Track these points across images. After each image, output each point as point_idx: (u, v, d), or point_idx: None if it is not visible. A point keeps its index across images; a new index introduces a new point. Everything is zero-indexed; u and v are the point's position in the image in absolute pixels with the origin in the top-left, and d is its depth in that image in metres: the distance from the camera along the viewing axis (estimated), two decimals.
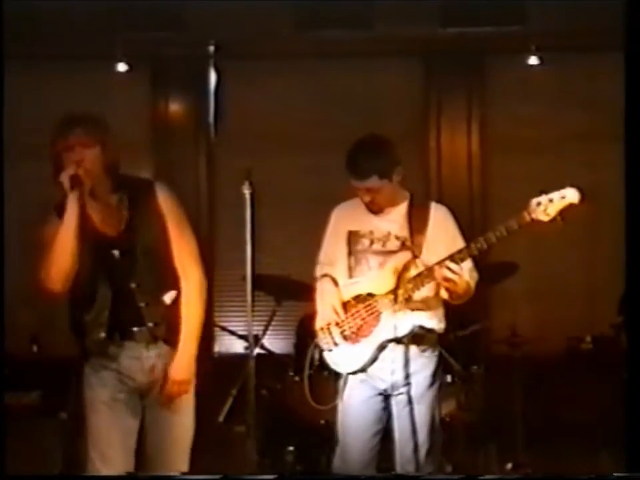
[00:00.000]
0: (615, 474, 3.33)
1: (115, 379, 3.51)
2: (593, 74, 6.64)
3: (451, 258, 3.73)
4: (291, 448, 4.93)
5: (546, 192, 3.65)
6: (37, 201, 6.93)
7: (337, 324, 3.91)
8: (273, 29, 6.44)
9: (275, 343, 5.63)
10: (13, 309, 5.87)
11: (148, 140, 6.93)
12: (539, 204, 3.64)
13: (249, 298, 3.45)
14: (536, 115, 6.77)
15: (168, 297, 3.52)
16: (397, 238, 3.93)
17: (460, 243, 3.89)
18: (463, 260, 3.72)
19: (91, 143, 3.44)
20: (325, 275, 4.01)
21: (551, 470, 5.11)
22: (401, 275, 3.86)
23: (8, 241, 6.39)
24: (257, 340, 3.66)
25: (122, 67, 6.70)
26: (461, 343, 5.05)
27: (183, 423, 3.56)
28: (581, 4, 5.95)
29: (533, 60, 6.62)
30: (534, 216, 3.64)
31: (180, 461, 3.55)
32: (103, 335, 3.48)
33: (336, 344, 3.91)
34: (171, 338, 3.52)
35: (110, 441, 3.48)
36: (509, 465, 5.11)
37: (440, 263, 3.73)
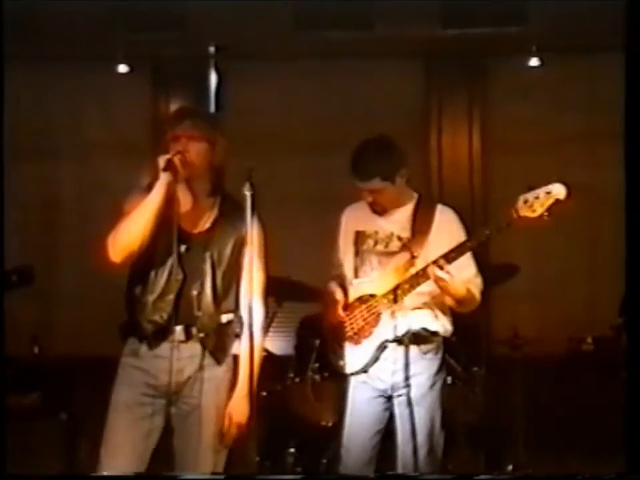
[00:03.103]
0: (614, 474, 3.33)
1: (142, 381, 3.46)
2: (594, 75, 6.65)
3: (443, 257, 3.74)
4: (292, 449, 4.94)
5: (532, 188, 3.65)
6: (38, 201, 7.07)
7: (340, 324, 3.93)
8: (273, 29, 6.44)
9: (276, 344, 5.64)
10: (15, 310, 5.92)
11: (149, 140, 6.95)
12: (525, 201, 3.66)
13: (249, 299, 3.45)
14: (537, 115, 6.78)
15: (225, 317, 3.51)
16: (400, 239, 3.94)
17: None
18: (454, 259, 3.72)
19: (197, 136, 3.44)
20: (335, 276, 4.03)
21: (552, 471, 5.13)
22: (400, 275, 3.88)
23: (11, 241, 6.38)
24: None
25: (123, 69, 6.72)
26: (461, 344, 5.07)
27: (211, 430, 3.48)
28: (582, 4, 5.96)
29: (534, 61, 6.62)
30: (521, 213, 3.64)
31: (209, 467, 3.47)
32: (164, 317, 3.45)
33: (340, 345, 3.93)
34: (218, 354, 3.49)
35: (120, 445, 3.43)
36: (510, 467, 5.12)
37: (433, 262, 3.74)
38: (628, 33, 3.27)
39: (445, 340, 4.03)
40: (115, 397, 3.49)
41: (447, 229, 3.93)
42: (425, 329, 3.89)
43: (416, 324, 3.88)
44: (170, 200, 3.42)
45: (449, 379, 4.95)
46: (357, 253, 4.00)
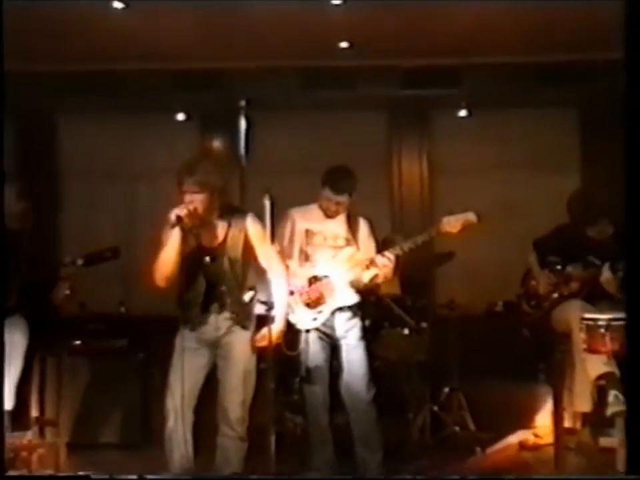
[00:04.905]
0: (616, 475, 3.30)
1: (194, 336, 3.58)
2: (506, 122, 6.71)
3: (388, 251, 3.87)
4: (297, 379, 4.98)
5: (452, 213, 3.77)
6: (123, 209, 7.13)
7: (301, 294, 3.97)
8: (285, 89, 6.52)
9: None
10: (108, 282, 6.01)
11: None
12: (448, 221, 3.77)
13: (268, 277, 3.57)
14: (467, 151, 6.81)
15: (247, 296, 3.59)
16: (344, 238, 4.02)
17: (373, 246, 4.02)
18: (397, 255, 3.85)
19: (200, 190, 3.42)
20: (289, 259, 3.97)
21: (476, 389, 5.14)
22: (349, 263, 3.96)
23: (105, 234, 6.43)
24: (272, 305, 3.76)
25: (181, 117, 6.76)
26: (414, 306, 5.15)
27: (244, 367, 3.58)
28: (499, 72, 6.07)
29: (464, 112, 6.70)
30: (444, 229, 3.79)
31: (241, 392, 3.54)
32: (198, 310, 3.56)
33: (301, 309, 3.98)
34: (245, 323, 3.59)
35: (177, 377, 3.50)
36: (447, 389, 5.16)
37: (381, 253, 3.86)
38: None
39: (397, 303, 4.12)
40: (177, 344, 3.61)
41: (366, 234, 4.06)
42: (355, 300, 4.02)
43: (353, 297, 4.00)
44: (185, 237, 3.45)
45: (406, 331, 5.06)
46: (308, 244, 4.00)
